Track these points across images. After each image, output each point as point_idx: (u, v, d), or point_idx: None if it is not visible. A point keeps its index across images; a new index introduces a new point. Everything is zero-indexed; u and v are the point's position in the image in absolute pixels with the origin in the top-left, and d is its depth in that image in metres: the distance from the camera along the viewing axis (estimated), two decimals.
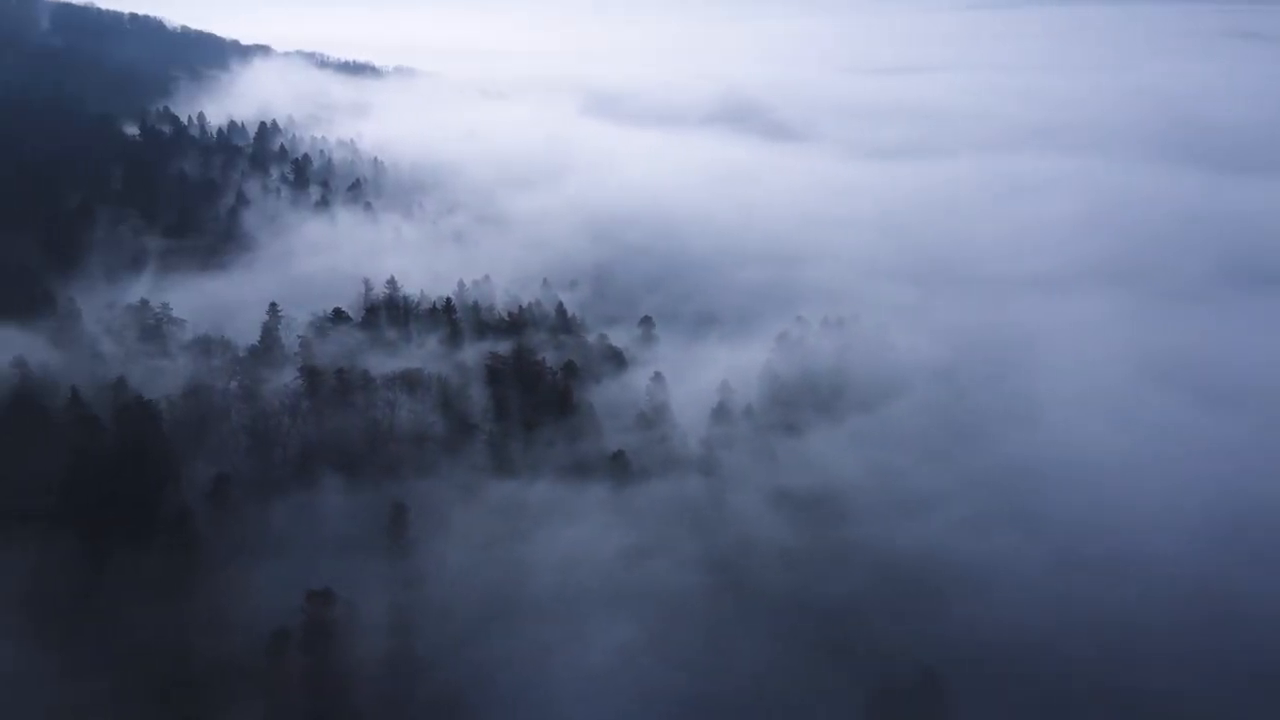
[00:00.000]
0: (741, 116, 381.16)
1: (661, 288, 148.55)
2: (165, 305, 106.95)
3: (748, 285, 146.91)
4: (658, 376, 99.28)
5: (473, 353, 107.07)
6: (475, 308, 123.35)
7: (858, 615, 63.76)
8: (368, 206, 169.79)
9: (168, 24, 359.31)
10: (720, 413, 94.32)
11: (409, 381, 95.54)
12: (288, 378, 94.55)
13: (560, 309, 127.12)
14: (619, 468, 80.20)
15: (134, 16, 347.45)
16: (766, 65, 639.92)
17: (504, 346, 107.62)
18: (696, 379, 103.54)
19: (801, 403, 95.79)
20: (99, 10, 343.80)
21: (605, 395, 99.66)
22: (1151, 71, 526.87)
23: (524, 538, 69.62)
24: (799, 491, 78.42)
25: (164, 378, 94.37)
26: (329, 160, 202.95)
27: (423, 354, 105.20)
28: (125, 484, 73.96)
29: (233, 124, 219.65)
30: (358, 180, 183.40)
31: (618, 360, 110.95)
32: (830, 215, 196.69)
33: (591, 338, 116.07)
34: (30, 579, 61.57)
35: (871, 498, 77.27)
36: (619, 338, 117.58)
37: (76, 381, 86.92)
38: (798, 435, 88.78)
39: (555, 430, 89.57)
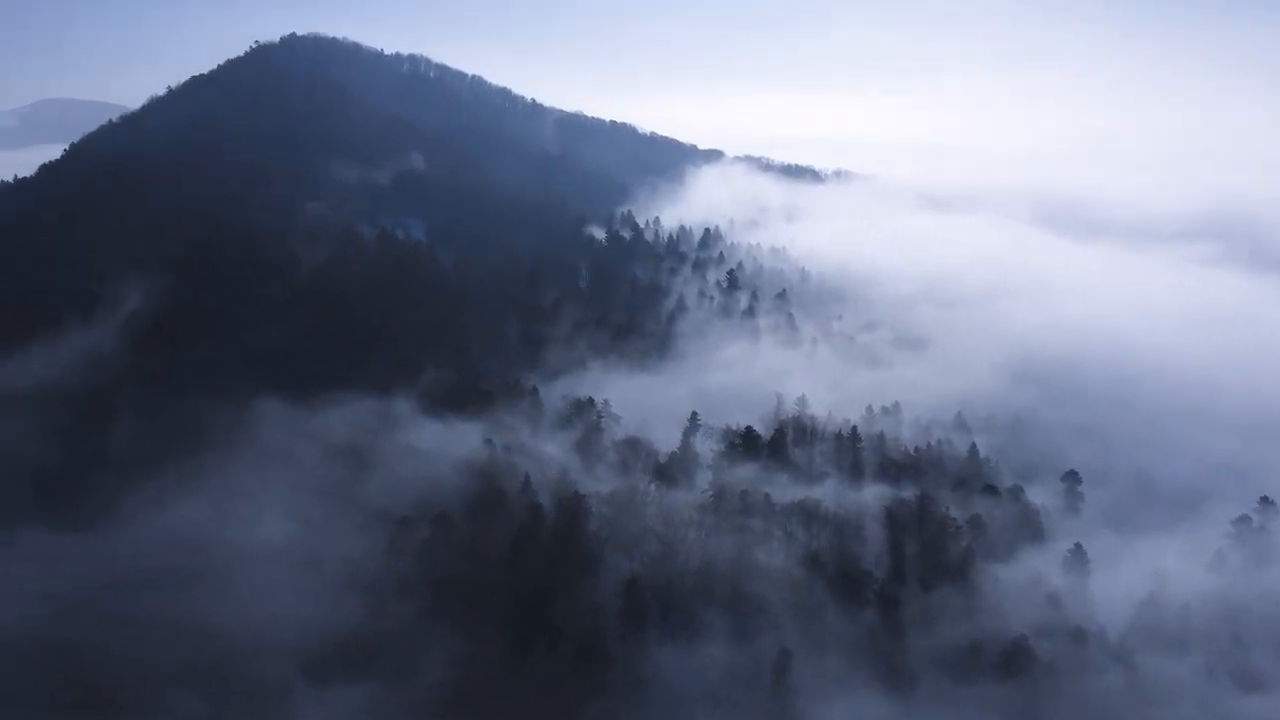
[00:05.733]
0: (1232, 236, 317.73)
1: (1092, 439, 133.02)
2: (606, 403, 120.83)
3: (1206, 453, 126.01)
4: (1078, 550, 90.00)
5: (873, 490, 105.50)
6: (881, 438, 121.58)
7: None
8: (789, 318, 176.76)
9: (639, 129, 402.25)
10: (1149, 613, 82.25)
11: (806, 513, 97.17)
12: (698, 489, 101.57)
13: (973, 451, 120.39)
14: (1019, 662, 73.26)
15: (613, 123, 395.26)
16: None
17: (905, 486, 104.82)
18: (1123, 560, 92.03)
19: (1261, 624, 79.40)
20: (585, 117, 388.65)
21: (1013, 563, 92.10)
22: None
23: None
24: None
25: (594, 472, 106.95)
26: (760, 267, 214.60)
27: (823, 487, 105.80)
28: (554, 574, 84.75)
29: (681, 229, 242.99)
30: (784, 290, 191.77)
31: (1031, 523, 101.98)
32: None
33: (1004, 489, 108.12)
34: (452, 660, 71.51)
35: None
36: (1035, 495, 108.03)
37: (529, 468, 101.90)
38: (1255, 682, 72.75)
39: (951, 597, 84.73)
